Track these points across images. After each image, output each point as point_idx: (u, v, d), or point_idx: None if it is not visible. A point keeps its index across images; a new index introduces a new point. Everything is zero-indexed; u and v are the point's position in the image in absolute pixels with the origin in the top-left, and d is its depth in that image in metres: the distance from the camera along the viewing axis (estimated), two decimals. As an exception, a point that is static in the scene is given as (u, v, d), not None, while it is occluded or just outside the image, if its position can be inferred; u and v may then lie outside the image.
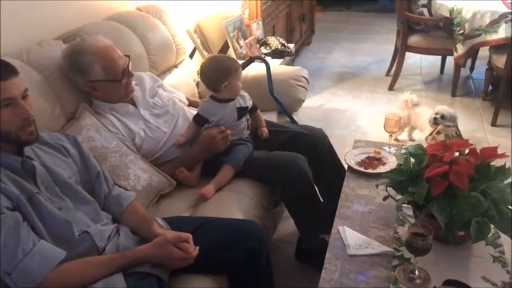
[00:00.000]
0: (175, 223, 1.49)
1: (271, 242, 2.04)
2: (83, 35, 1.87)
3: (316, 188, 1.95)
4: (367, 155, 1.90)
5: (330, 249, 1.41)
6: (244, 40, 3.04)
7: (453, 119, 2.63)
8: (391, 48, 4.35)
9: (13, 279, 1.10)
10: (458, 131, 2.28)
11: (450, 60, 3.96)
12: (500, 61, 3.31)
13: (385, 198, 1.54)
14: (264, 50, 3.17)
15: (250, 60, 2.57)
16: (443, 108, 2.68)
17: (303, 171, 1.84)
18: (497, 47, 3.47)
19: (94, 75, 1.73)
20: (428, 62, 4.64)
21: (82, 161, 1.44)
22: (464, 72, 4.09)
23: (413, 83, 4.23)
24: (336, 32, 6.15)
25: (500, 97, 3.33)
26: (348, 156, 1.89)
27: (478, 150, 1.40)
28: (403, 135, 3.15)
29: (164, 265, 1.31)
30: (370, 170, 1.79)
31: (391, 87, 4.11)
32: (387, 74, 4.38)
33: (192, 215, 1.71)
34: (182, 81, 2.47)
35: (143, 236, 1.41)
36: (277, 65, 2.88)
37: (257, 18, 3.40)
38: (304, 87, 2.55)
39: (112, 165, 1.66)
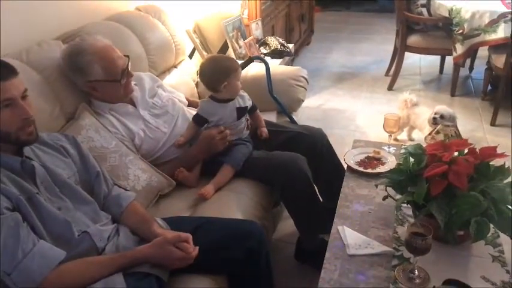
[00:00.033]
0: (174, 223, 1.49)
1: (271, 242, 2.04)
2: (82, 35, 1.87)
3: (315, 187, 1.96)
4: (366, 155, 1.90)
5: (329, 249, 1.41)
6: (244, 40, 3.04)
7: (452, 119, 2.63)
8: (390, 48, 4.36)
9: (13, 280, 1.10)
10: (458, 130, 2.28)
11: (449, 60, 3.96)
12: (500, 61, 3.31)
13: (384, 198, 1.54)
14: (263, 50, 3.17)
15: (250, 60, 2.57)
16: (443, 108, 2.69)
17: (303, 171, 1.84)
18: (496, 47, 3.47)
19: (93, 75, 1.73)
20: (427, 62, 4.64)
21: (81, 161, 1.44)
22: (463, 72, 4.09)
23: (412, 83, 4.23)
24: (335, 32, 6.15)
25: (499, 97, 3.34)
26: (348, 156, 1.89)
27: (477, 150, 1.40)
28: (403, 135, 3.15)
29: (164, 265, 1.31)
30: (369, 170, 1.80)
31: (390, 87, 4.11)
32: (386, 74, 4.39)
33: (191, 215, 1.71)
34: (181, 81, 2.47)
35: (143, 236, 1.41)
36: (276, 65, 2.88)
37: (256, 18, 3.40)
38: (303, 87, 2.55)
39: (111, 165, 1.66)
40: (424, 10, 3.98)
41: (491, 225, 1.30)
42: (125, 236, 1.39)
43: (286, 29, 4.41)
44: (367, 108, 3.76)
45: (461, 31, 3.54)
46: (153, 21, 2.39)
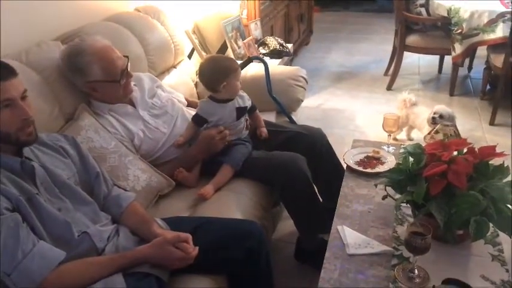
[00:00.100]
0: (174, 223, 1.49)
1: (271, 242, 2.04)
2: (81, 35, 1.87)
3: (315, 187, 1.96)
4: (365, 155, 1.90)
5: (329, 248, 1.41)
6: (243, 40, 3.04)
7: (451, 119, 2.63)
8: (389, 48, 4.36)
9: (13, 280, 1.10)
10: (457, 130, 2.28)
11: (448, 60, 3.97)
12: (498, 60, 3.31)
13: (384, 198, 1.55)
14: (262, 50, 3.18)
15: (249, 60, 2.57)
16: (442, 108, 2.69)
17: (302, 171, 1.84)
18: (495, 46, 3.48)
19: (93, 76, 1.73)
20: (426, 62, 4.64)
21: (81, 162, 1.44)
22: (462, 71, 4.10)
23: (411, 83, 4.23)
24: (334, 32, 6.15)
25: (498, 96, 3.34)
26: (347, 156, 1.89)
27: (476, 149, 1.40)
28: (402, 135, 3.16)
29: (164, 265, 1.31)
30: (369, 170, 1.80)
31: (389, 87, 4.11)
32: (385, 74, 4.39)
33: (191, 215, 1.71)
34: (181, 82, 2.47)
35: (143, 236, 1.41)
36: (275, 65, 2.88)
37: (255, 18, 3.40)
38: (302, 87, 2.55)
39: (111, 165, 1.66)
40: (422, 10, 3.98)
41: (491, 225, 1.30)
42: (125, 236, 1.39)
43: (285, 29, 4.41)
44: (366, 108, 3.76)
45: (460, 31, 3.54)
46: (152, 22, 2.39)
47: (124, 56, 1.80)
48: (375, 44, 5.48)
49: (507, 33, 3.27)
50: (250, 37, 3.15)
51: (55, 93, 1.73)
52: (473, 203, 1.27)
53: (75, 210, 1.32)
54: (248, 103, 2.02)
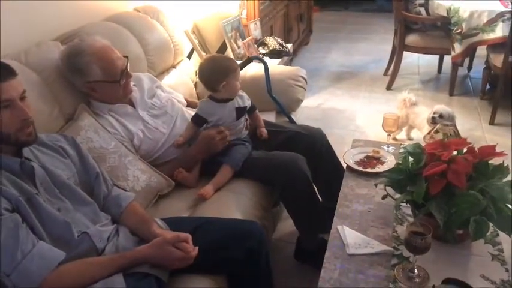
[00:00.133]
0: (174, 223, 1.49)
1: (271, 242, 2.04)
2: (81, 35, 1.87)
3: (315, 187, 1.96)
4: (365, 155, 1.90)
5: (329, 248, 1.41)
6: (242, 40, 3.04)
7: (451, 118, 2.63)
8: (389, 47, 4.36)
9: (12, 281, 1.10)
10: (457, 130, 2.29)
11: (448, 60, 3.97)
12: (498, 60, 3.31)
13: (383, 197, 1.55)
14: (262, 50, 3.18)
15: (249, 60, 2.57)
16: (442, 107, 2.69)
17: (302, 171, 1.84)
18: (494, 46, 3.48)
19: (92, 76, 1.73)
20: (426, 62, 4.65)
21: (81, 162, 1.44)
22: (462, 71, 4.10)
23: (411, 83, 4.23)
24: (334, 32, 6.16)
25: (498, 96, 3.34)
26: (347, 156, 1.89)
27: (476, 149, 1.40)
28: (402, 135, 3.16)
29: (164, 265, 1.31)
30: (368, 169, 1.80)
31: (389, 87, 4.11)
32: (385, 74, 4.39)
33: (191, 216, 1.71)
34: (180, 82, 2.47)
35: (142, 236, 1.40)
36: (275, 65, 2.88)
37: (255, 18, 3.40)
38: (302, 87, 2.55)
39: (111, 166, 1.66)
40: (422, 10, 3.98)
41: (491, 224, 1.30)
42: (125, 236, 1.39)
43: (284, 29, 4.41)
44: (366, 108, 3.76)
45: (459, 30, 3.54)
46: (151, 22, 2.39)
47: (123, 56, 1.80)
48: (374, 44, 5.48)
49: (507, 33, 3.27)
50: (250, 37, 3.15)
51: (54, 94, 1.73)
52: (473, 203, 1.27)
53: (75, 211, 1.32)
54: (248, 103, 2.02)
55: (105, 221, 1.39)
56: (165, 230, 1.44)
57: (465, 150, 1.41)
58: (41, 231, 1.20)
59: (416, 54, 4.30)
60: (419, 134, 2.92)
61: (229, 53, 2.92)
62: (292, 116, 2.41)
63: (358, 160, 1.87)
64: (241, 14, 3.36)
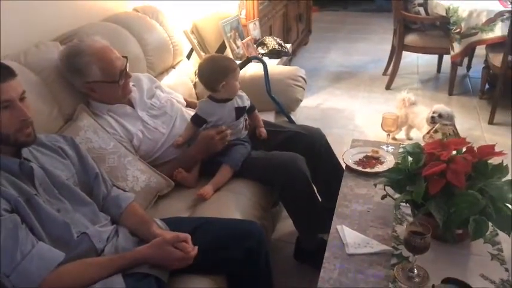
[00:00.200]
0: (174, 224, 1.49)
1: (270, 242, 2.04)
2: (80, 36, 1.87)
3: (314, 187, 1.96)
4: (365, 154, 1.90)
5: (328, 248, 1.41)
6: (242, 40, 3.04)
7: (450, 118, 2.63)
8: (388, 47, 4.36)
9: (12, 282, 1.10)
10: (456, 129, 2.29)
11: (447, 59, 3.97)
12: (497, 59, 3.31)
13: (383, 197, 1.55)
14: (261, 50, 3.18)
15: (248, 60, 2.57)
16: (441, 107, 2.69)
17: (301, 171, 1.84)
18: (493, 46, 3.48)
19: (92, 76, 1.72)
20: (425, 61, 4.65)
21: (80, 163, 1.44)
22: (461, 70, 4.10)
23: (410, 82, 4.24)
24: (333, 32, 6.16)
25: (497, 95, 3.34)
26: (346, 156, 1.89)
27: (475, 149, 1.40)
28: (401, 134, 3.16)
29: (163, 266, 1.31)
30: (368, 169, 1.80)
31: (388, 87, 4.11)
32: (384, 73, 4.39)
33: (190, 216, 1.71)
34: (180, 82, 2.47)
35: (142, 237, 1.40)
36: (274, 65, 2.88)
37: (254, 18, 3.40)
38: (301, 87, 2.55)
39: (110, 166, 1.66)
40: (421, 9, 3.98)
41: (490, 224, 1.30)
42: (124, 237, 1.39)
43: (283, 29, 4.41)
44: (365, 108, 3.77)
45: (458, 30, 3.54)
46: (150, 22, 2.39)
47: (123, 56, 1.80)
48: (373, 44, 5.48)
49: (506, 32, 3.27)
50: (249, 37, 3.15)
51: (54, 94, 1.72)
52: (473, 202, 1.27)
53: (74, 211, 1.32)
54: (247, 103, 2.02)
55: (105, 221, 1.39)
56: (165, 230, 1.44)
57: (464, 149, 1.41)
58: (40, 231, 1.20)
59: (415, 53, 4.30)
60: (419, 134, 2.92)
61: (228, 53, 2.92)
62: (292, 116, 2.41)
63: (358, 160, 1.87)
64: (241, 14, 3.36)
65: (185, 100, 2.20)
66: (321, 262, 1.36)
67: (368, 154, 1.90)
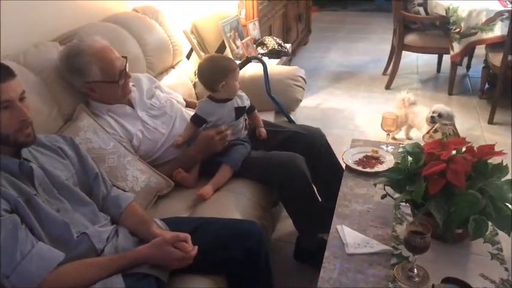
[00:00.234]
0: (173, 224, 1.49)
1: (270, 242, 2.04)
2: (80, 36, 1.86)
3: (314, 187, 1.96)
4: (364, 154, 1.90)
5: (328, 248, 1.41)
6: (241, 40, 3.04)
7: (450, 118, 2.63)
8: (388, 47, 4.36)
9: (12, 282, 1.10)
10: (455, 129, 2.29)
11: (446, 59, 3.97)
12: (497, 59, 3.31)
13: (383, 197, 1.55)
14: (260, 50, 3.18)
15: (247, 60, 2.57)
16: (440, 107, 2.69)
17: (301, 171, 1.84)
18: (493, 45, 3.48)
19: (91, 76, 1.72)
20: (424, 61, 4.65)
21: (80, 163, 1.44)
22: (460, 70, 4.10)
23: (410, 82, 4.24)
24: (333, 32, 6.16)
25: (496, 95, 3.34)
26: (346, 156, 1.89)
27: (475, 148, 1.40)
28: (401, 134, 3.16)
29: (163, 265, 1.31)
30: (368, 169, 1.80)
31: (388, 86, 4.11)
32: (384, 73, 4.39)
33: (190, 216, 1.71)
34: (179, 82, 2.47)
35: (142, 237, 1.40)
36: (274, 65, 2.88)
37: (253, 18, 3.40)
38: (301, 87, 2.55)
39: (110, 166, 1.66)
40: (421, 9, 3.98)
41: (490, 223, 1.30)
42: (124, 237, 1.39)
43: (283, 29, 4.41)
44: (365, 108, 3.77)
45: (458, 30, 3.54)
46: (150, 22, 2.38)
47: (122, 56, 1.80)
48: (373, 44, 5.48)
49: (505, 32, 3.26)
50: (249, 37, 3.15)
51: (53, 94, 1.72)
52: (472, 202, 1.27)
53: (74, 211, 1.32)
54: (247, 103, 2.02)
55: (104, 221, 1.39)
56: (165, 230, 1.44)
57: (464, 149, 1.41)
58: (40, 232, 1.20)
59: (415, 53, 4.31)
60: (418, 134, 2.92)
61: (228, 53, 2.92)
62: (291, 116, 2.41)
63: (357, 160, 1.87)
64: (240, 14, 3.35)
65: (185, 100, 2.20)
66: (320, 262, 1.36)
67: (368, 154, 1.90)
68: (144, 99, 1.93)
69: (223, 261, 1.45)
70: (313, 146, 2.07)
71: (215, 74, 1.89)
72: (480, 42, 3.55)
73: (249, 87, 2.24)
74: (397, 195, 1.47)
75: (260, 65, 2.45)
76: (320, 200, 2.04)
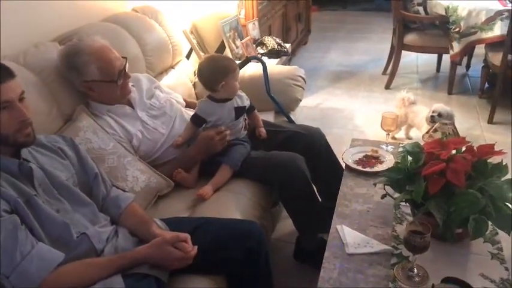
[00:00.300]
0: (173, 224, 1.49)
1: (270, 242, 2.04)
2: (80, 36, 1.86)
3: (314, 187, 1.96)
4: (364, 154, 1.90)
5: (328, 248, 1.41)
6: (241, 40, 3.04)
7: (450, 117, 2.63)
8: (387, 47, 4.36)
9: (12, 282, 1.10)
10: (455, 128, 2.29)
11: (446, 59, 3.97)
12: (496, 58, 3.31)
13: (383, 197, 1.55)
14: (260, 50, 3.17)
15: (247, 60, 2.57)
16: (440, 106, 2.69)
17: (301, 171, 1.84)
18: (493, 45, 3.48)
19: (89, 76, 1.72)
20: (424, 61, 4.65)
21: (79, 163, 1.44)
22: (460, 70, 4.09)
23: (409, 82, 4.24)
24: (332, 32, 6.16)
25: (496, 94, 3.34)
26: (346, 155, 1.89)
27: (474, 148, 1.40)
28: (400, 134, 3.16)
29: (163, 266, 1.31)
30: (367, 169, 1.80)
31: (387, 86, 4.11)
32: (384, 73, 4.39)
33: (190, 216, 1.71)
34: (179, 82, 2.47)
35: (142, 237, 1.40)
36: (273, 65, 2.88)
37: (253, 18, 3.40)
38: (301, 87, 2.55)
39: (110, 166, 1.66)
40: (420, 9, 3.98)
41: (490, 223, 1.30)
42: (124, 237, 1.39)
43: (283, 28, 4.41)
44: (364, 107, 3.77)
45: (457, 29, 3.54)
46: (149, 22, 2.38)
47: (122, 57, 1.80)
48: (373, 43, 5.48)
49: (505, 32, 3.26)
50: (248, 37, 3.15)
51: (53, 95, 1.72)
52: (472, 202, 1.27)
53: (74, 212, 1.32)
54: (247, 103, 2.02)
55: (104, 221, 1.39)
56: (165, 230, 1.44)
57: (464, 149, 1.41)
58: (39, 232, 1.20)
59: (414, 53, 4.31)
60: (418, 133, 2.92)
61: (227, 53, 2.92)
62: (291, 116, 2.41)
63: (357, 159, 1.87)
64: (240, 14, 3.35)
65: (184, 100, 2.20)
66: (320, 262, 1.36)
67: (368, 153, 1.90)
68: (144, 100, 1.93)
69: (223, 261, 1.45)
70: (313, 145, 2.07)
71: (215, 74, 1.89)
72: (480, 41, 3.55)
73: (249, 87, 2.24)
74: (397, 194, 1.47)
75: (260, 65, 2.45)
76: (320, 199, 2.04)
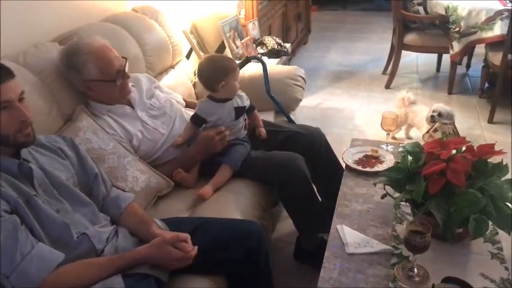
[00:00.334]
0: (173, 224, 1.49)
1: (270, 242, 2.04)
2: (80, 36, 1.86)
3: (314, 187, 1.96)
4: (364, 154, 1.90)
5: (328, 248, 1.41)
6: (241, 40, 3.04)
7: (450, 117, 2.63)
8: (387, 46, 4.36)
9: (12, 282, 1.10)
10: (455, 128, 2.29)
11: (446, 58, 3.97)
12: (496, 58, 3.31)
13: (383, 197, 1.54)
14: (260, 50, 3.17)
15: (247, 60, 2.57)
16: (440, 106, 2.69)
17: (301, 171, 1.84)
18: (493, 44, 3.48)
19: (89, 75, 1.72)
20: (424, 60, 4.64)
21: (79, 163, 1.44)
22: (460, 69, 4.09)
23: (409, 81, 4.24)
24: (332, 31, 6.15)
25: (496, 94, 3.34)
26: (346, 155, 1.89)
27: (475, 148, 1.40)
28: (400, 134, 3.16)
29: (163, 266, 1.31)
30: (367, 169, 1.80)
31: (387, 86, 4.11)
32: (384, 73, 4.39)
33: (190, 216, 1.71)
34: (179, 82, 2.47)
35: (142, 237, 1.40)
36: (273, 65, 2.88)
37: (253, 18, 3.40)
38: (301, 87, 2.55)
39: (110, 166, 1.66)
40: (420, 8, 3.98)
41: (490, 223, 1.30)
42: (124, 237, 1.39)
43: (283, 28, 4.41)
44: (364, 107, 3.76)
45: (457, 29, 3.54)
46: (149, 22, 2.38)
47: (122, 57, 1.80)
48: (373, 43, 5.48)
49: (505, 31, 3.27)
50: (248, 37, 3.15)
51: (53, 95, 1.72)
52: (473, 201, 1.27)
53: (74, 212, 1.32)
54: (247, 103, 2.02)
55: (104, 221, 1.39)
56: (165, 230, 1.44)
57: (464, 148, 1.41)
58: (40, 232, 1.20)
59: (414, 53, 4.30)
60: (418, 133, 2.92)
61: (227, 52, 2.92)
62: (291, 116, 2.41)
63: (357, 159, 1.87)
64: (240, 14, 3.35)
65: (184, 100, 2.20)
66: (321, 262, 1.36)
67: (368, 153, 1.90)
68: (144, 100, 1.93)
69: (223, 261, 1.45)
70: (313, 145, 2.07)
71: (215, 74, 1.89)
72: (480, 41, 3.55)
73: (249, 87, 2.24)
74: (397, 194, 1.47)
75: (260, 65, 2.45)
76: (320, 199, 2.04)
